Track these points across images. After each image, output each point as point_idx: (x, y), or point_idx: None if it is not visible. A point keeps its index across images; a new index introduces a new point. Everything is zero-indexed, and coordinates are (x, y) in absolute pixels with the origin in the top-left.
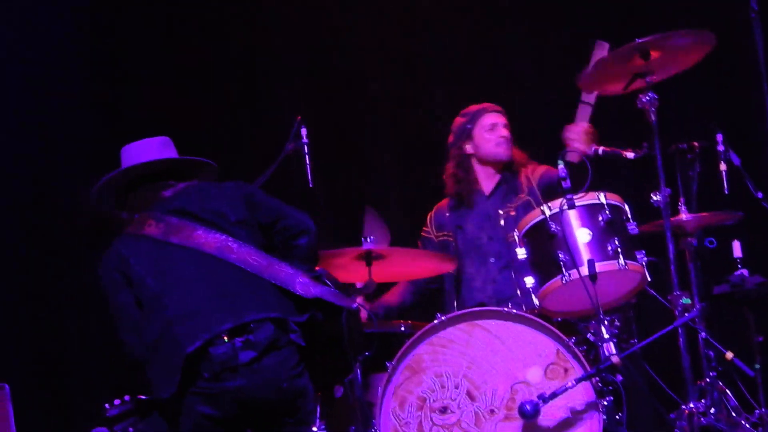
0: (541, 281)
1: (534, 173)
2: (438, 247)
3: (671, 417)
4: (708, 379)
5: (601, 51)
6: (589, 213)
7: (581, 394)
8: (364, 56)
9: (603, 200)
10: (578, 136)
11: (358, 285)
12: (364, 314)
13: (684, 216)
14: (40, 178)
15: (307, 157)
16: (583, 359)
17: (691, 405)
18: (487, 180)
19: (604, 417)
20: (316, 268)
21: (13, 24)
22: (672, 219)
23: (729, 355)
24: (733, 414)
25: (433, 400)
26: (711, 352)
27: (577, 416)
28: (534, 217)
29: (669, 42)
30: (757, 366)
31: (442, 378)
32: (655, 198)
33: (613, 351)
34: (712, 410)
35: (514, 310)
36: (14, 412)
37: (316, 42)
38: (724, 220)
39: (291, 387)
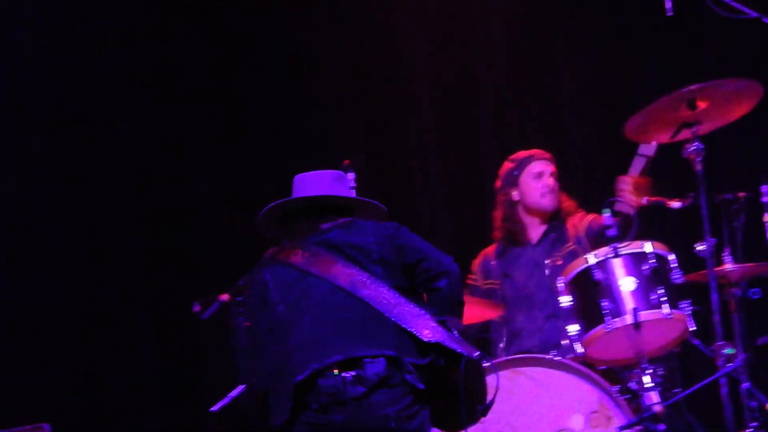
0: (585, 329)
1: (581, 222)
2: (484, 294)
3: None
4: (750, 430)
5: (648, 150)
6: (634, 261)
7: None
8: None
9: (649, 249)
10: (630, 188)
11: None
12: None
13: (728, 266)
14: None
15: None
16: (626, 408)
17: None
18: (534, 228)
19: None
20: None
21: None
22: (716, 269)
23: None
24: None
25: None
26: (753, 403)
27: None
28: (579, 265)
29: (716, 91)
30: None
31: (485, 425)
32: (699, 248)
33: (657, 400)
34: None
35: (558, 358)
36: None
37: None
38: None
39: (400, 428)
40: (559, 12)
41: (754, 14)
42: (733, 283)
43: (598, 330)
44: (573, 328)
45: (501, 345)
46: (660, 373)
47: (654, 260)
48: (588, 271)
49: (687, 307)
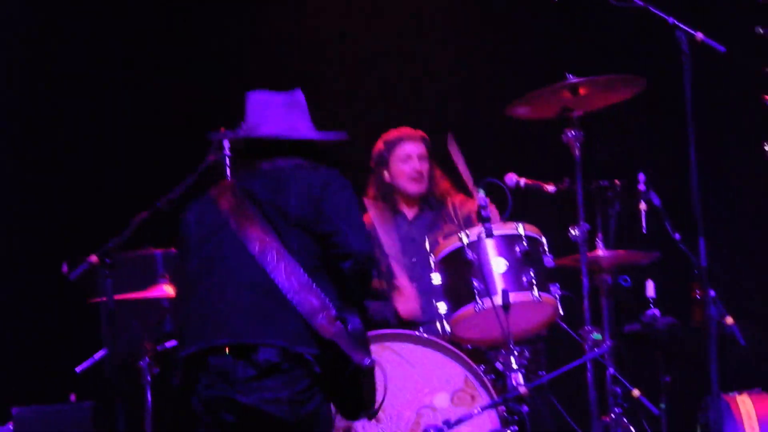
0: (453, 308)
1: (464, 205)
2: None
3: None
4: (613, 416)
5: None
6: (507, 243)
7: (486, 422)
8: None
9: (521, 231)
10: None
11: None
12: None
13: (600, 252)
14: None
15: (227, 169)
16: (490, 387)
17: None
18: (409, 206)
19: None
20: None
21: None
22: (588, 254)
23: (635, 392)
24: None
25: (338, 420)
26: (618, 389)
27: None
28: (451, 244)
29: (599, 80)
30: (663, 406)
31: None
32: (573, 232)
33: (521, 381)
34: None
35: (425, 335)
36: None
37: None
38: (640, 259)
39: (293, 411)
40: None
41: (641, 3)
42: (604, 270)
43: (467, 309)
44: (442, 307)
45: None
46: (526, 355)
47: (526, 243)
48: (460, 250)
49: (557, 290)
